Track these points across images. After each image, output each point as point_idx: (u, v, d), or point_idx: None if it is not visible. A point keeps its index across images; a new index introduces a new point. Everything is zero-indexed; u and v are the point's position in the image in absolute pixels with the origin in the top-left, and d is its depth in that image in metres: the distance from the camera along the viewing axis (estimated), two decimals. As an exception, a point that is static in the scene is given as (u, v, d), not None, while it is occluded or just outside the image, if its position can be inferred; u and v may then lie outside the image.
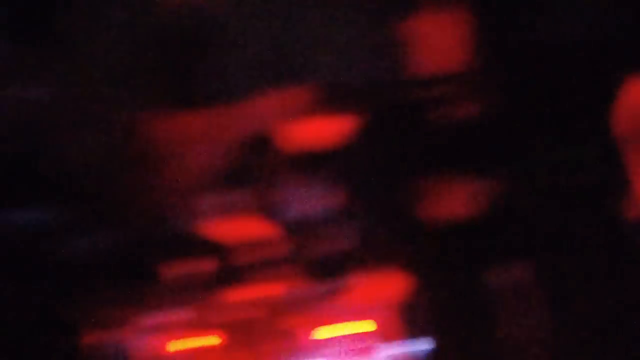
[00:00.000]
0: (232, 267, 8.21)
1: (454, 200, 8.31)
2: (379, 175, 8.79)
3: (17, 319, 8.04)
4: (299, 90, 8.11)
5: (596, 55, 8.73)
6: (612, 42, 8.87)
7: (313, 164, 8.19)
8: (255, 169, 8.21)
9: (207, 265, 8.21)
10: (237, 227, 8.22)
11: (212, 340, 8.33)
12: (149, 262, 8.15)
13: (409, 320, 8.13)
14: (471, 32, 9.07)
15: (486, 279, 8.21)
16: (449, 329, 8.17)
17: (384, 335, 8.02)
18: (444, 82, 8.63)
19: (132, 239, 8.62)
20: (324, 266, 8.04)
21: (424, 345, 8.05)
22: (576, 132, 8.88)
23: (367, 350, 8.06)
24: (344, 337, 8.01)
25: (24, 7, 7.67)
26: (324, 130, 8.09)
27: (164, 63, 8.56)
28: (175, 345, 8.16)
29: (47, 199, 8.23)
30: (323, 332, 7.93)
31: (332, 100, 8.08)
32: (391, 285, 8.12)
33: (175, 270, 7.96)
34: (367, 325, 7.94)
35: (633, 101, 8.15)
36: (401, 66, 8.99)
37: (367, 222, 8.57)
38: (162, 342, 8.12)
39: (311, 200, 8.24)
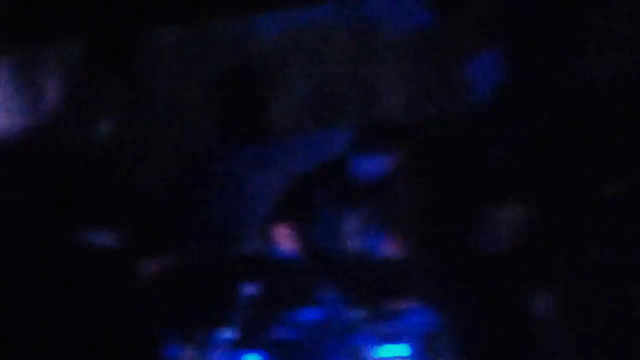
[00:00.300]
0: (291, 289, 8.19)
1: (497, 231, 8.30)
2: (420, 208, 8.78)
3: (93, 336, 7.90)
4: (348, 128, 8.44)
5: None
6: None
7: (359, 198, 8.23)
8: (308, 201, 8.26)
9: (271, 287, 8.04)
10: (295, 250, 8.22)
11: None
12: (226, 282, 7.97)
13: (444, 347, 7.81)
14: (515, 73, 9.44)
15: (528, 308, 8.04)
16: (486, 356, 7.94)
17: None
18: (487, 118, 8.90)
19: (204, 260, 8.69)
20: (368, 292, 7.85)
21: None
22: (617, 168, 8.79)
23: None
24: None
25: (102, 44, 8.08)
26: (369, 166, 8.17)
27: (228, 101, 9.05)
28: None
29: (119, 223, 8.36)
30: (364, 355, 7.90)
31: (374, 138, 8.24)
32: (429, 311, 8.04)
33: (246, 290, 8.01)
34: (403, 350, 7.80)
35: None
36: (444, 105, 9.43)
37: (408, 252, 8.50)
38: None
39: (357, 233, 8.23)
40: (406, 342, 7.73)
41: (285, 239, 8.24)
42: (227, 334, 7.84)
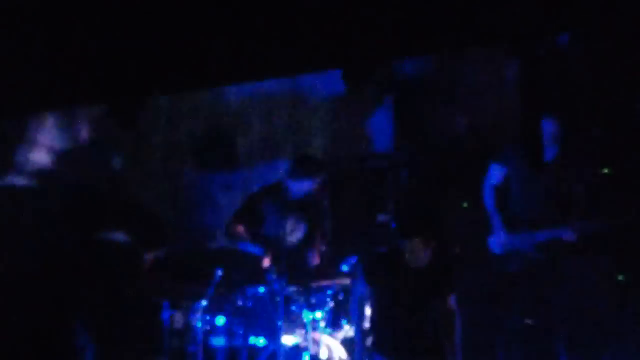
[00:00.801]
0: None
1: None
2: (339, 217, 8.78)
3: (111, 305, 7.96)
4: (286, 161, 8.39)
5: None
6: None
7: (293, 208, 8.08)
8: (258, 211, 8.11)
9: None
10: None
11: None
12: (202, 267, 7.90)
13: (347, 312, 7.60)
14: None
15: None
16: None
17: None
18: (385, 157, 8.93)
19: (187, 253, 8.74)
20: (299, 274, 7.80)
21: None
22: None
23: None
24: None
25: (117, 106, 7.55)
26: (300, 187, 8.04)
27: (206, 145, 9.20)
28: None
29: (129, 226, 8.36)
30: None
31: (312, 167, 8.09)
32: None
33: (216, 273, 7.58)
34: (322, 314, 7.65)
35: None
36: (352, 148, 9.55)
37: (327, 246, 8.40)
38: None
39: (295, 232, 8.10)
40: (323, 309, 7.68)
41: (242, 236, 8.15)
42: (204, 302, 7.81)
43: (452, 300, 6.57)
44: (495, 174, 7.99)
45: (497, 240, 7.96)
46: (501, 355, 8.10)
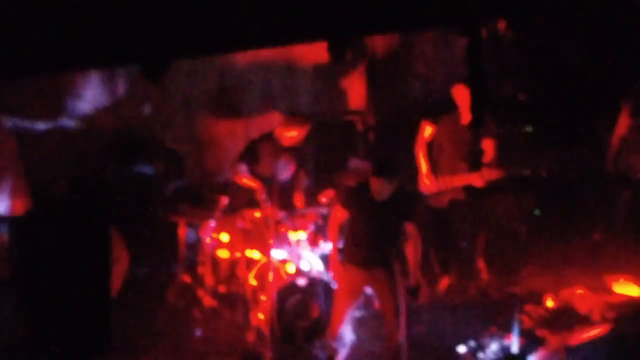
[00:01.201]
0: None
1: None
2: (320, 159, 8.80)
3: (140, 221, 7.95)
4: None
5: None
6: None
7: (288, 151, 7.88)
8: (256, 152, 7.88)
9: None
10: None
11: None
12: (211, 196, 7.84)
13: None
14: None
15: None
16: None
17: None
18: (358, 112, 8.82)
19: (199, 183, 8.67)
20: (287, 202, 7.68)
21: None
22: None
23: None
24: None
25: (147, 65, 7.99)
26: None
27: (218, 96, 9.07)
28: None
29: (154, 162, 8.38)
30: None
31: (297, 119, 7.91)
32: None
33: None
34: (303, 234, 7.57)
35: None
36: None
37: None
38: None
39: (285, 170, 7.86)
40: (305, 231, 7.66)
41: (243, 173, 7.96)
42: (212, 223, 7.77)
43: (411, 225, 6.55)
44: (426, 131, 7.97)
45: (424, 185, 7.98)
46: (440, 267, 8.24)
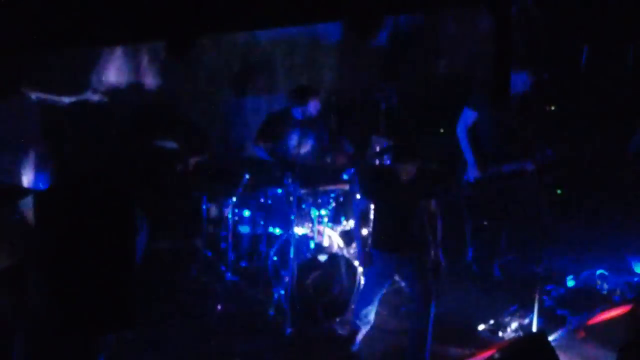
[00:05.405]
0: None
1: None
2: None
3: (163, 193, 7.94)
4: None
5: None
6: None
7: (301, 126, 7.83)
8: (276, 129, 7.94)
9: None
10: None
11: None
12: (234, 170, 7.86)
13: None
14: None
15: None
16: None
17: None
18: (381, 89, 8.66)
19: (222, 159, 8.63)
20: (308, 180, 7.59)
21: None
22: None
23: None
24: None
25: (172, 42, 7.90)
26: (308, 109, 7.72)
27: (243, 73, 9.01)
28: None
29: (177, 136, 8.27)
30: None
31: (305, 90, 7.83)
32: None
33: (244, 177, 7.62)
34: (327, 211, 7.56)
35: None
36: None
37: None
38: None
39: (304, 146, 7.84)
40: (327, 208, 7.64)
41: (263, 147, 8.00)
42: (234, 198, 7.76)
43: (433, 205, 6.52)
44: (468, 117, 7.74)
45: (471, 173, 7.81)
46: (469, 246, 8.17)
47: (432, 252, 6.49)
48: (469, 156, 7.73)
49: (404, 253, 6.47)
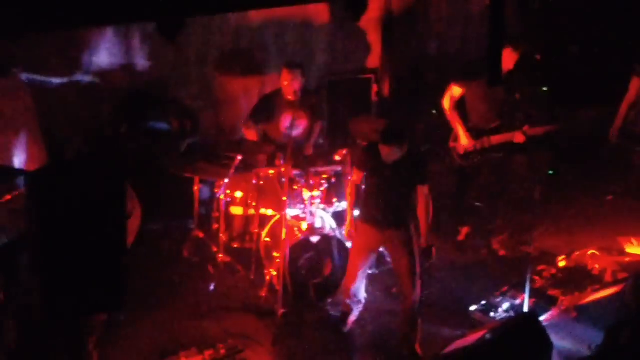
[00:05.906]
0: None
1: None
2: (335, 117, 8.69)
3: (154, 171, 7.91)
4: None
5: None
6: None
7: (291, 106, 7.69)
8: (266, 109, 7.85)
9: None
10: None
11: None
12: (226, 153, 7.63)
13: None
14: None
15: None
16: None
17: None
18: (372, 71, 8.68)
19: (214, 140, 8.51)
20: (298, 160, 7.62)
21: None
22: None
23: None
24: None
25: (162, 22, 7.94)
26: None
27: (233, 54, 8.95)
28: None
29: (169, 118, 8.31)
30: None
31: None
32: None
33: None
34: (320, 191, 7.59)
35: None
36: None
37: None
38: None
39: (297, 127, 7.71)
40: (319, 189, 7.58)
41: (254, 129, 7.96)
42: (226, 179, 7.61)
43: (425, 190, 6.50)
44: (455, 92, 7.82)
45: (462, 145, 7.87)
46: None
47: (423, 234, 6.50)
48: (457, 128, 7.82)
49: (389, 229, 6.49)
